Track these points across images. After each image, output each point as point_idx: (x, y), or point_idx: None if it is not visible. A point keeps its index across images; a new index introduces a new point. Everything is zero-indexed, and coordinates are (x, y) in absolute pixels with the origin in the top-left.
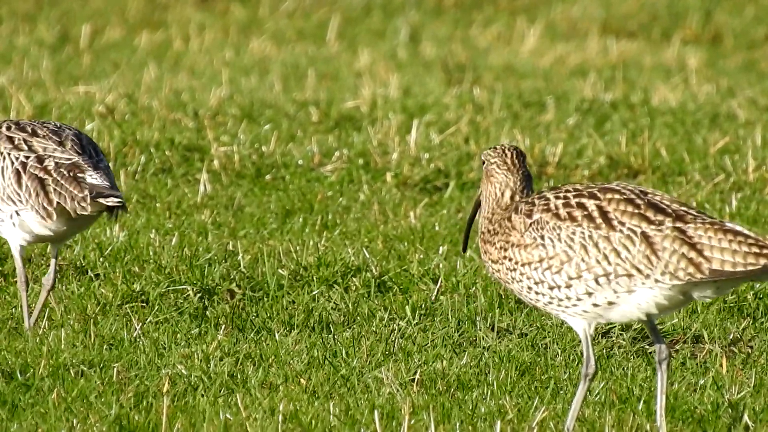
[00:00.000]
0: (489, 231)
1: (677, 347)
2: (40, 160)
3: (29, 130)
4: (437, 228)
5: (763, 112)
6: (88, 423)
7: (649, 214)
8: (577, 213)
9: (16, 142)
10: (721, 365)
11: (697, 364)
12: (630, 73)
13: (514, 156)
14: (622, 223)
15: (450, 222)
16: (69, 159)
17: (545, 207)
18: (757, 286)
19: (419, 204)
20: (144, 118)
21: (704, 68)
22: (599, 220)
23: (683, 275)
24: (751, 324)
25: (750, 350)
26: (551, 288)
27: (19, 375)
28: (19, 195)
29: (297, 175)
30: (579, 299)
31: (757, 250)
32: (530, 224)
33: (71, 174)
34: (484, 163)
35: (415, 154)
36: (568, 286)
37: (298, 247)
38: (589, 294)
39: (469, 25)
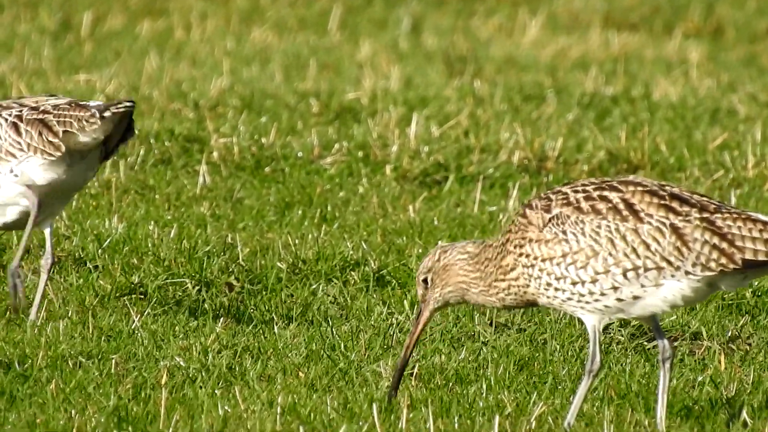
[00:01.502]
0: (495, 264)
1: (676, 344)
2: (35, 108)
3: (12, 99)
4: (436, 222)
5: (764, 108)
6: (87, 414)
7: (675, 205)
8: (601, 206)
9: (5, 105)
10: (719, 362)
11: (695, 361)
12: (631, 66)
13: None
14: (650, 215)
15: (449, 216)
16: (66, 101)
17: (564, 201)
18: (756, 283)
19: (418, 197)
20: (144, 108)
21: (705, 62)
22: (626, 212)
23: (715, 266)
24: (749, 321)
25: (748, 347)
26: (574, 284)
27: (17, 366)
28: (19, 144)
29: (296, 167)
30: (603, 294)
31: None
32: (549, 219)
33: (72, 105)
34: (426, 280)
35: (415, 147)
36: (594, 282)
37: (297, 241)
38: (615, 288)
39: (470, 17)
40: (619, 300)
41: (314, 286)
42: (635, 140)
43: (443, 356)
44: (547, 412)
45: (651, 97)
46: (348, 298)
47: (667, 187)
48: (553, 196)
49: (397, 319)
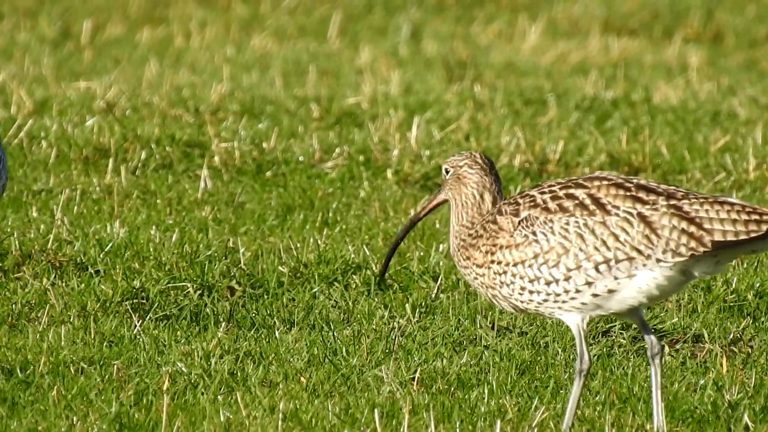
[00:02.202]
0: (471, 235)
1: (677, 347)
2: None
3: None
4: (437, 225)
5: (764, 111)
6: (88, 421)
7: (642, 195)
8: (568, 203)
9: None
10: (721, 365)
11: (697, 364)
12: (631, 72)
13: (484, 158)
14: (617, 207)
15: None
16: None
17: (532, 203)
18: (757, 285)
19: (420, 201)
20: (145, 114)
21: (705, 67)
22: (592, 207)
23: (685, 251)
24: (751, 324)
25: (750, 350)
26: (548, 283)
27: (19, 372)
28: None
29: (297, 171)
30: (578, 291)
31: (757, 218)
32: (519, 222)
33: None
34: (448, 171)
35: (416, 151)
36: (567, 279)
37: (298, 244)
38: (589, 284)
39: (470, 23)
40: (595, 295)
41: (316, 290)
42: (636, 143)
43: (445, 360)
44: (548, 417)
45: (651, 101)
46: (349, 302)
47: (633, 180)
48: (521, 200)
49: (398, 323)
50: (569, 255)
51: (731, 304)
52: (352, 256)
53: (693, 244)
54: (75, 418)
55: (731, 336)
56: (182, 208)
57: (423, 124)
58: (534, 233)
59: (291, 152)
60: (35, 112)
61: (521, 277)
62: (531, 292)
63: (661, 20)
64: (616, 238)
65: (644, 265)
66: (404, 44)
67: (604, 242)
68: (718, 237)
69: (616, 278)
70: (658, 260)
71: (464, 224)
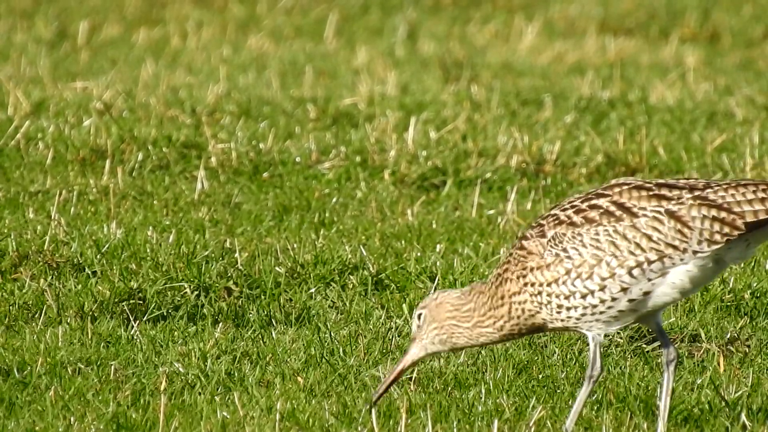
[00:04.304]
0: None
1: (674, 346)
2: None
3: None
4: (434, 226)
5: (761, 111)
6: (86, 421)
7: (664, 191)
8: (593, 214)
9: None
10: (718, 364)
11: (694, 363)
12: (628, 71)
13: (433, 294)
14: (644, 209)
15: (447, 220)
16: None
17: (556, 221)
18: (754, 284)
19: (416, 202)
20: (141, 114)
21: (702, 66)
22: (619, 212)
23: (720, 237)
24: (748, 323)
25: (747, 349)
26: (584, 296)
27: (16, 372)
28: None
29: (294, 172)
30: (614, 299)
31: None
32: (547, 243)
33: None
34: (425, 309)
35: (413, 152)
36: (602, 288)
37: (295, 245)
38: (624, 290)
39: (466, 23)
40: (631, 300)
41: (312, 291)
42: (633, 143)
43: (442, 360)
44: (545, 416)
45: (648, 101)
46: (346, 303)
47: (652, 181)
48: (544, 222)
49: (395, 323)
50: (602, 264)
51: (728, 303)
52: (349, 256)
53: (727, 229)
54: (72, 419)
55: (728, 335)
56: (179, 209)
57: (420, 125)
58: (565, 250)
59: (288, 153)
60: (32, 113)
61: (557, 296)
62: (568, 308)
63: (657, 20)
64: (650, 238)
65: (681, 259)
66: (401, 45)
67: (638, 245)
68: (750, 218)
69: (650, 279)
70: (695, 252)
71: (483, 310)
